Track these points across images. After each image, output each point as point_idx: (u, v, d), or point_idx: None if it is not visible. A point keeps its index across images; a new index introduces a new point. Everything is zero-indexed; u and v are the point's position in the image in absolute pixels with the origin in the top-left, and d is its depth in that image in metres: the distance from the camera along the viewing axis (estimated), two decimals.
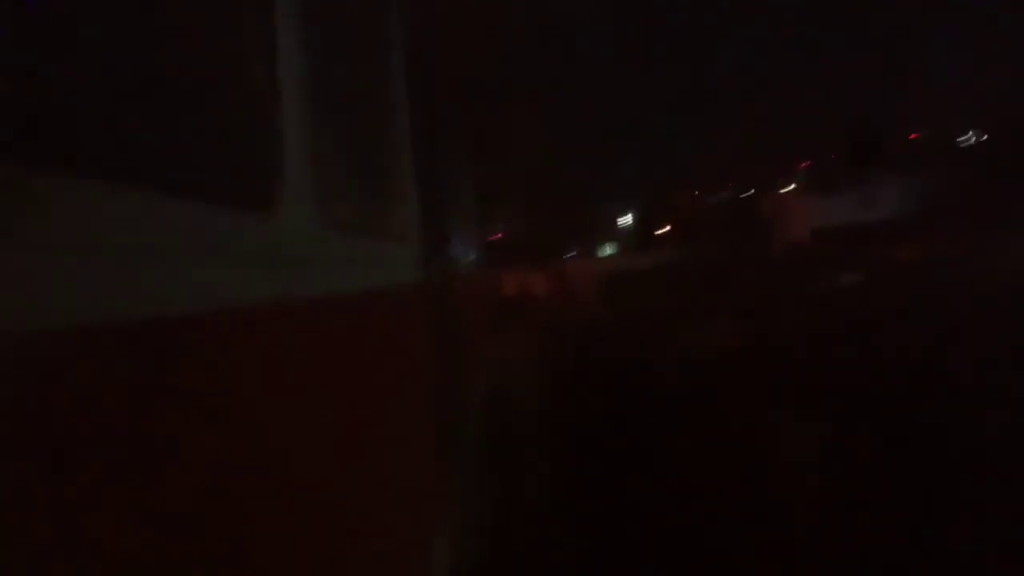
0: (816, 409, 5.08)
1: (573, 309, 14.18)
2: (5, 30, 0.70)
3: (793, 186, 26.39)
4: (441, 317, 4.11)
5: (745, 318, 9.64)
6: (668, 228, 28.68)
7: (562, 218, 22.10)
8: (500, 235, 14.01)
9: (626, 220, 32.54)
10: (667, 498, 3.56)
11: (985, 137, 25.29)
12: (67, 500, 0.64)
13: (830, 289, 12.65)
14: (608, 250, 30.20)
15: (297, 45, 1.53)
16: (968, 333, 7.11)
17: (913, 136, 28.17)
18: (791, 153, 27.80)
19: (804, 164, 28.66)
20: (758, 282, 13.33)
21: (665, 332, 9.55)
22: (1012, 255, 13.32)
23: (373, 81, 2.95)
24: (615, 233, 32.25)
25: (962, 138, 25.83)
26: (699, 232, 22.82)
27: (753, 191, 26.09)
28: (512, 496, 4.11)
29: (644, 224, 29.93)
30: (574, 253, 24.46)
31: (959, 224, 16.75)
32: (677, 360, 7.63)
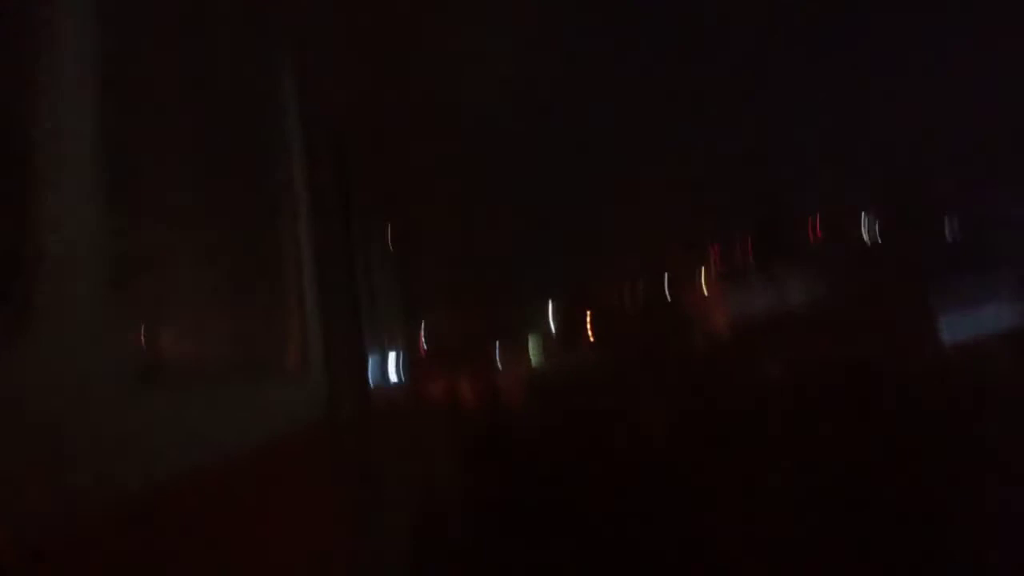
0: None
1: (505, 416, 13.61)
2: None
3: (710, 273, 26.87)
4: (353, 459, 3.54)
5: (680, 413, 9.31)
6: (591, 323, 28.64)
7: (485, 320, 21.70)
8: (424, 347, 13.39)
9: (549, 317, 32.43)
10: None
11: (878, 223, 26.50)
12: None
13: (760, 381, 12.53)
14: (534, 349, 29.85)
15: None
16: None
17: (812, 221, 29.33)
18: (702, 240, 28.45)
19: (713, 250, 29.39)
20: (686, 378, 13.10)
21: (607, 434, 9.10)
22: (931, 345, 13.58)
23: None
24: (540, 331, 32.05)
25: (861, 222, 26.94)
26: (621, 326, 22.76)
27: (669, 280, 26.38)
28: None
29: (569, 318, 29.79)
30: (499, 356, 23.99)
31: (874, 314, 17.10)
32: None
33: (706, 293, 22.96)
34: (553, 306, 34.36)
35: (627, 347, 19.72)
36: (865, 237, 26.83)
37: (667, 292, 26.44)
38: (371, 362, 4.85)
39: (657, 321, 21.36)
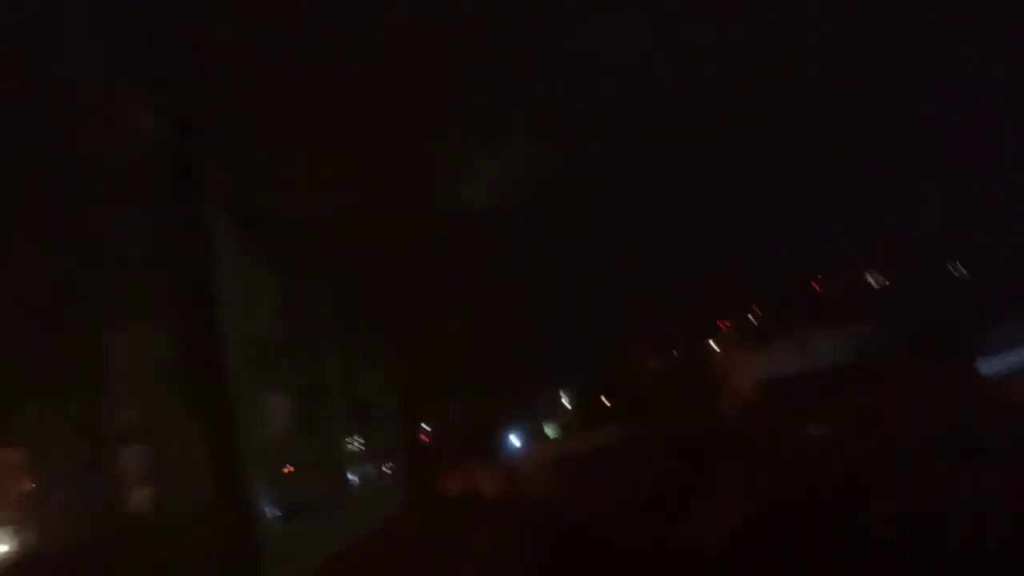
0: None
1: (531, 507, 12.72)
2: None
3: (728, 342, 26.19)
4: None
5: (729, 495, 8.52)
6: (613, 400, 27.74)
7: (501, 403, 20.80)
8: (426, 437, 12.55)
9: (568, 396, 31.49)
10: None
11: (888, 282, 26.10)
12: None
13: (802, 445, 11.79)
14: (554, 431, 28.79)
15: None
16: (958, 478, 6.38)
17: (826, 280, 28.90)
18: (721, 308, 27.94)
19: (725, 322, 28.80)
20: (725, 451, 12.31)
21: (648, 523, 8.29)
22: (963, 394, 12.96)
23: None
24: (559, 412, 31.03)
25: (877, 281, 26.50)
26: (646, 401, 21.93)
27: (691, 351, 25.70)
28: None
29: (588, 399, 28.91)
30: (519, 440, 23.00)
31: (906, 367, 16.41)
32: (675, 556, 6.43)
33: (729, 363, 22.23)
34: (571, 389, 33.51)
35: (653, 423, 18.89)
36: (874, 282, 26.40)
37: (691, 362, 25.75)
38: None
39: (684, 393, 20.58)
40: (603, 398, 32.05)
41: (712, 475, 10.13)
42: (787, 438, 12.30)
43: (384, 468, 6.19)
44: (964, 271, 23.94)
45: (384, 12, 3.37)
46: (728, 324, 28.15)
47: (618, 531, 8.10)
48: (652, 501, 9.47)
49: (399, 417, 8.50)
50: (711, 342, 26.07)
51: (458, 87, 4.40)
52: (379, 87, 3.77)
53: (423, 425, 11.59)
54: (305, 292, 3.69)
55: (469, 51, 4.04)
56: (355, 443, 4.69)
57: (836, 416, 12.86)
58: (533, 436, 26.26)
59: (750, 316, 28.46)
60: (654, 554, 6.66)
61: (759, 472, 9.66)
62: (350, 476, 4.20)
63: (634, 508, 9.32)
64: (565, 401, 34.65)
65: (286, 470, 3.21)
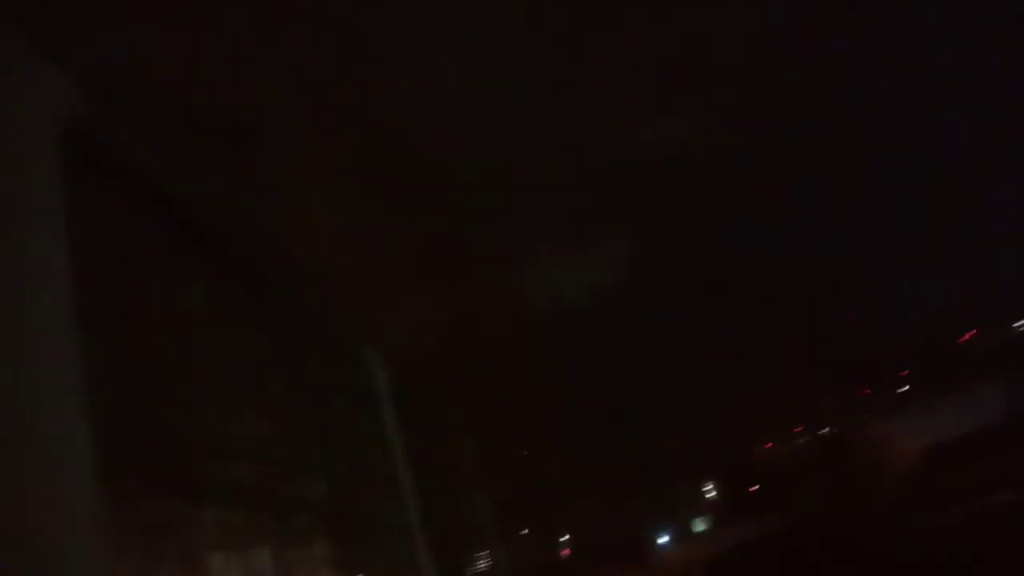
0: None
1: None
2: None
3: (875, 411, 24.34)
4: None
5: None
6: (756, 488, 26.11)
7: (642, 502, 19.92)
8: (568, 550, 11.99)
9: (708, 489, 29.93)
10: None
11: None
12: None
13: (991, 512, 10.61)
14: (700, 527, 27.26)
15: None
16: None
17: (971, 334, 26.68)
18: (863, 375, 26.15)
19: (864, 391, 26.85)
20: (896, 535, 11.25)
21: None
22: None
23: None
24: (701, 506, 29.47)
25: None
26: (795, 484, 20.49)
27: (834, 427, 24.03)
28: None
29: (731, 489, 27.36)
30: (665, 541, 21.83)
31: None
32: None
33: (879, 435, 20.58)
34: (714, 479, 31.86)
35: (799, 510, 17.54)
36: None
37: (838, 438, 24.05)
38: None
39: (840, 467, 19.09)
40: (746, 487, 30.27)
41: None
42: (962, 507, 11.13)
43: None
44: None
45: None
46: (872, 392, 26.28)
47: None
48: None
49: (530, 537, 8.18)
50: (855, 415, 24.38)
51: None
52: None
53: (561, 539, 11.14)
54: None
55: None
56: None
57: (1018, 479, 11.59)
58: (680, 533, 24.91)
59: (896, 380, 26.51)
60: None
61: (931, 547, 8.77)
62: None
63: None
64: (709, 493, 32.94)
65: None
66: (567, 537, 12.56)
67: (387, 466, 2.86)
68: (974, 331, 27.36)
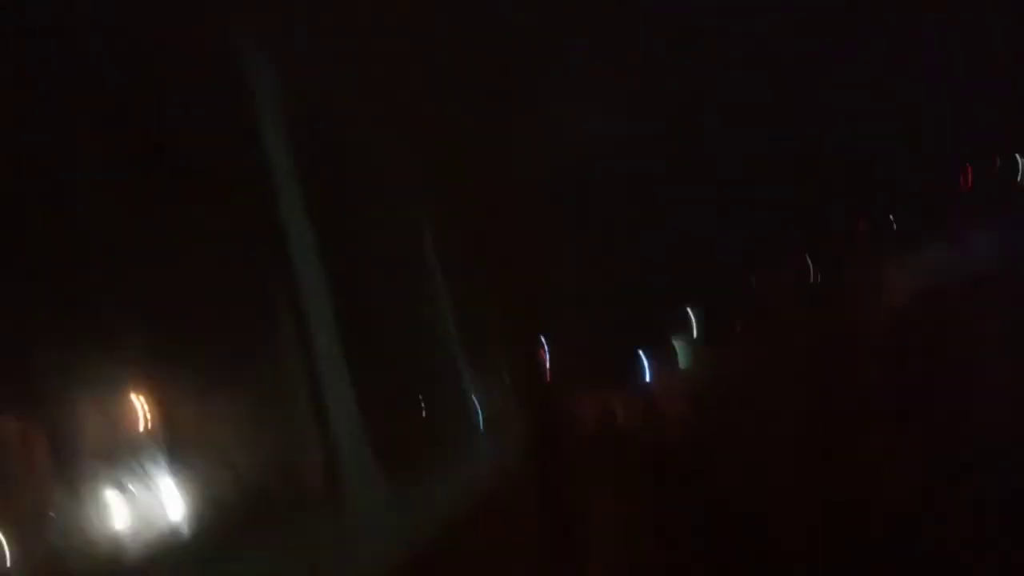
0: None
1: (676, 438, 11.98)
2: None
3: (872, 247, 23.95)
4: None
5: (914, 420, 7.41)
6: (751, 317, 26.24)
7: (630, 318, 19.73)
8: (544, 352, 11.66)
9: (698, 316, 30.16)
10: None
11: None
12: None
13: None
14: (686, 353, 27.62)
15: None
16: None
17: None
18: (859, 209, 25.50)
19: (863, 225, 26.26)
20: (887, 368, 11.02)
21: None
22: None
23: None
24: (689, 333, 29.79)
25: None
26: (788, 315, 20.39)
27: (830, 260, 23.70)
28: None
29: (722, 317, 27.51)
30: (649, 364, 21.99)
31: None
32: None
33: (876, 271, 20.19)
34: (703, 307, 32.01)
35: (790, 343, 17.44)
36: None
37: (832, 276, 23.71)
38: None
39: (826, 307, 18.87)
40: (737, 317, 30.48)
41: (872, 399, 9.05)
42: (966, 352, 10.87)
43: (495, 399, 5.56)
44: None
45: None
46: (868, 226, 25.71)
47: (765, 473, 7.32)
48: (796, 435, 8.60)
49: (510, 334, 7.92)
50: (852, 250, 23.91)
51: None
52: None
53: (541, 340, 10.76)
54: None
55: None
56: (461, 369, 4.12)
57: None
58: (665, 359, 25.19)
59: (892, 217, 25.89)
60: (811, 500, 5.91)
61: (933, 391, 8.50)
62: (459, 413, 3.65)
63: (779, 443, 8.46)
64: (696, 320, 33.25)
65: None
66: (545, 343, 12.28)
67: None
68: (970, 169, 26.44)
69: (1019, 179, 20.88)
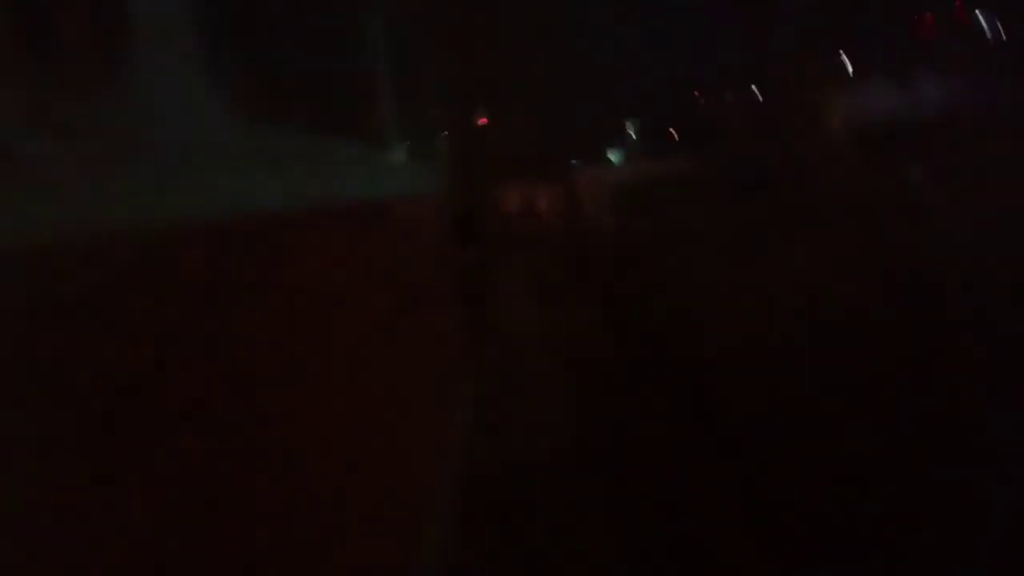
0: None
1: (591, 230, 12.05)
2: None
3: (814, 77, 23.58)
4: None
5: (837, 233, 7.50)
6: (681, 133, 26.04)
7: (564, 120, 19.24)
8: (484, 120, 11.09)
9: (635, 126, 29.67)
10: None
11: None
12: None
13: (895, 195, 10.50)
14: (617, 158, 27.43)
15: None
16: None
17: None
18: (808, 39, 24.79)
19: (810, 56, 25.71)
20: (803, 191, 11.11)
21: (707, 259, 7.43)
22: None
23: None
24: (621, 140, 29.43)
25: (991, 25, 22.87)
26: (717, 136, 20.29)
27: (773, 85, 23.29)
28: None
29: (656, 129, 27.19)
30: (579, 162, 21.82)
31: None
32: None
33: (815, 101, 20.00)
34: (638, 118, 31.50)
35: (723, 157, 17.44)
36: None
37: (773, 100, 23.39)
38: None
39: (762, 127, 18.75)
40: (671, 130, 30.12)
41: (785, 214, 9.17)
42: (878, 186, 11.03)
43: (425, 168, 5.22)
44: None
45: None
46: (814, 57, 25.22)
47: (676, 263, 7.40)
48: (714, 235, 8.69)
49: (450, 106, 7.44)
50: (796, 77, 23.55)
51: None
52: None
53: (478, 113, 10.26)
54: None
55: None
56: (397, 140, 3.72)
57: (937, 170, 11.41)
58: (595, 161, 25.03)
59: (841, 52, 25.40)
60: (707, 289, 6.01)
61: (841, 215, 8.61)
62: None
63: (696, 241, 8.55)
64: (631, 131, 32.82)
65: None
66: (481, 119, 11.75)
67: None
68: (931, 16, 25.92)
69: (977, 33, 20.54)
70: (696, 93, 27.61)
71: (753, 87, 26.14)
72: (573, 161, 20.81)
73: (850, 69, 23.90)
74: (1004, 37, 22.07)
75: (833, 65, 25.64)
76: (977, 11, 23.21)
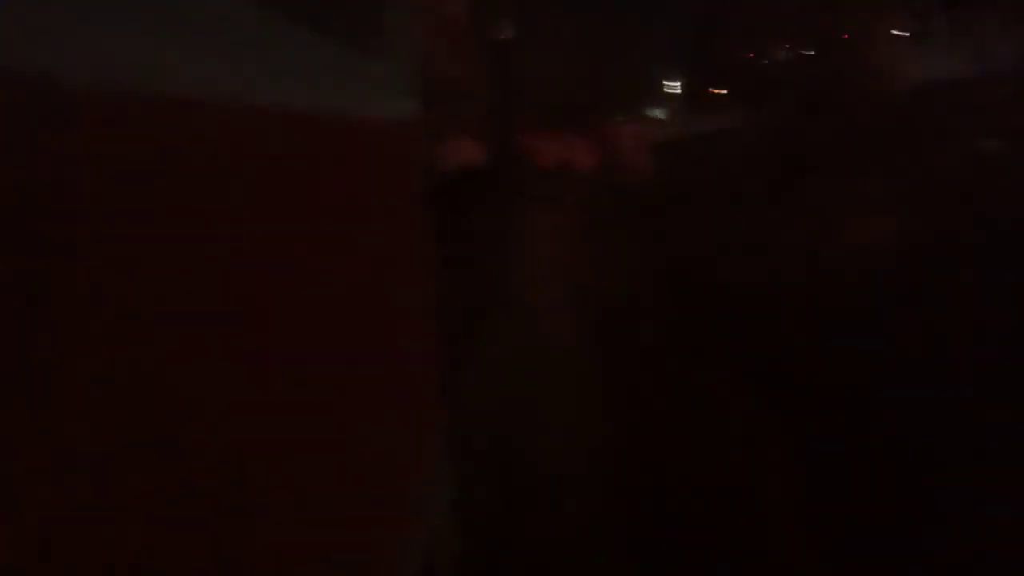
0: None
1: (628, 185, 11.31)
2: None
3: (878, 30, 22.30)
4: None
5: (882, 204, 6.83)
6: (728, 90, 24.85)
7: (603, 70, 18.23)
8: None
9: (673, 83, 28.57)
10: None
11: None
12: None
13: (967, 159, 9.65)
14: (660, 114, 26.42)
15: None
16: None
17: None
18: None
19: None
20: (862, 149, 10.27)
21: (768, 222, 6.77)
22: None
23: None
24: (661, 97, 28.35)
25: None
26: (767, 92, 19.19)
27: (831, 40, 22.12)
28: None
29: (700, 86, 26.04)
30: (619, 116, 20.82)
31: None
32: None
33: (878, 54, 18.82)
34: (681, 74, 30.36)
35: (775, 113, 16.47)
36: None
37: (830, 55, 22.25)
38: None
39: (816, 85, 17.68)
40: (716, 88, 28.92)
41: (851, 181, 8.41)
42: (949, 149, 10.12)
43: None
44: None
45: None
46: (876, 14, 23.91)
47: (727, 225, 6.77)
48: (764, 192, 8.05)
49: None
50: (858, 32, 22.32)
51: None
52: None
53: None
54: None
55: None
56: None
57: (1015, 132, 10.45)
58: (635, 117, 23.98)
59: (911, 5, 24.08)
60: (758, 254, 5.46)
61: (908, 182, 7.91)
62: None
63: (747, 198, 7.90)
64: (673, 87, 31.64)
65: None
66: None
67: None
68: None
69: None
70: (743, 48, 26.52)
71: (808, 38, 24.98)
72: (616, 116, 19.84)
73: (910, 26, 22.70)
74: None
75: (894, 21, 24.36)
76: None
